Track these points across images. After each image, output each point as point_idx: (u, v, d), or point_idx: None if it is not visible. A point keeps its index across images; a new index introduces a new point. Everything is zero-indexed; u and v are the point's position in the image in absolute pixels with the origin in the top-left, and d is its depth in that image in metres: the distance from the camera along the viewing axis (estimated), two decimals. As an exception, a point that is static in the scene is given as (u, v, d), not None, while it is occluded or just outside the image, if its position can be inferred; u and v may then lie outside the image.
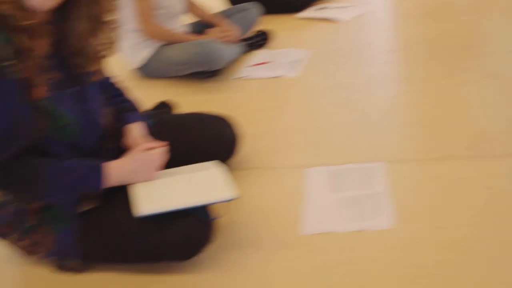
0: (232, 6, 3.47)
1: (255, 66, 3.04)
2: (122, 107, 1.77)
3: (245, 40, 3.24)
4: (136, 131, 1.69)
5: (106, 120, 1.69)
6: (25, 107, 1.41)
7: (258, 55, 3.20)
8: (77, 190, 1.51)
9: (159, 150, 1.61)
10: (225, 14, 3.26)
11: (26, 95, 1.42)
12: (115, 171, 1.53)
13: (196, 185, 1.57)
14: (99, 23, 1.52)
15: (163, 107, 2.38)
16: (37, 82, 1.44)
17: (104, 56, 1.60)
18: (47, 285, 1.62)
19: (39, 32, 1.42)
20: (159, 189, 1.55)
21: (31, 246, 1.61)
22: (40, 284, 1.64)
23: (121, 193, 1.56)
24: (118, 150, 1.68)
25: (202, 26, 3.12)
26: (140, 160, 1.58)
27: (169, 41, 2.88)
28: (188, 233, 1.50)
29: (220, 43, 2.88)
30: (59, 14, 1.48)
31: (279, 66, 2.99)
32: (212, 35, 2.96)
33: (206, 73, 2.88)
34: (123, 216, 1.52)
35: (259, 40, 3.32)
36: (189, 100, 2.60)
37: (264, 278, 1.54)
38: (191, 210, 1.50)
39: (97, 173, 1.51)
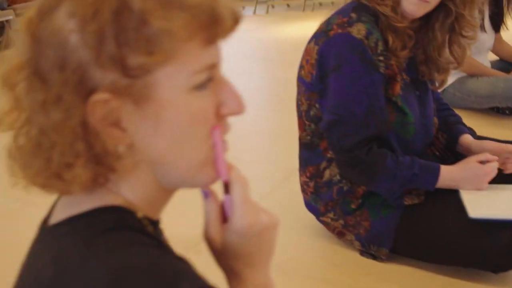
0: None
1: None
2: (453, 120, 1.85)
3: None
4: (468, 142, 1.76)
5: (434, 128, 1.79)
6: (383, 99, 1.58)
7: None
8: (409, 184, 1.60)
9: (492, 164, 1.64)
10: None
11: (386, 89, 1.59)
12: (448, 175, 1.61)
13: None
14: (458, 36, 1.61)
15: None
16: (395, 79, 1.60)
17: (451, 69, 1.71)
18: (350, 265, 1.75)
19: (404, 35, 1.57)
20: (489, 198, 1.60)
21: (343, 228, 1.75)
22: (343, 262, 1.77)
23: (444, 194, 1.63)
24: (439, 158, 1.77)
25: (506, 64, 3.11)
26: (473, 170, 1.63)
27: (476, 73, 2.91)
28: (511, 244, 1.52)
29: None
30: (423, 22, 1.61)
31: None
32: (518, 73, 2.94)
33: (507, 109, 2.85)
34: (447, 216, 1.60)
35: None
36: (486, 133, 2.58)
37: None
38: (517, 223, 1.52)
39: (434, 174, 1.59)
